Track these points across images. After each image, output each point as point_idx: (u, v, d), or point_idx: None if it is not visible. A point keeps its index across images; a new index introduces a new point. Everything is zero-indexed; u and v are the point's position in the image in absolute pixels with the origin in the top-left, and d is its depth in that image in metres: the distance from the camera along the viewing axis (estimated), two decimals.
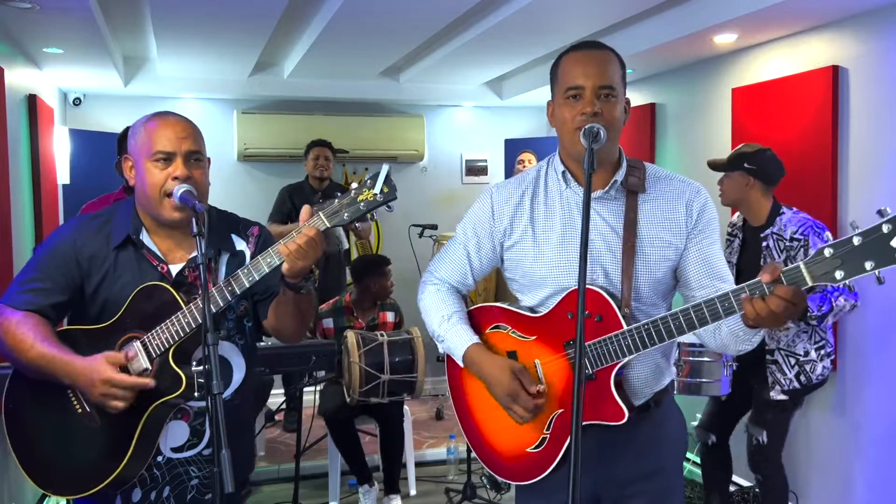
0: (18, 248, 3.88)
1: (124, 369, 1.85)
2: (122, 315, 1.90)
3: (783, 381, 3.31)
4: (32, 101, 4.36)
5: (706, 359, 3.47)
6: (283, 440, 5.30)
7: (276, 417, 5.53)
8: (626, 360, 1.75)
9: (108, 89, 5.47)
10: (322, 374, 4.20)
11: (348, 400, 3.98)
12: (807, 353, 3.28)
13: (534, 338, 1.89)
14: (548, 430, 1.85)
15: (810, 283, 1.48)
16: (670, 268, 1.86)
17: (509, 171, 6.17)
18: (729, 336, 1.76)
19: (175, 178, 1.87)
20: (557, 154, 1.93)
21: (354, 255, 6.13)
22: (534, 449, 1.87)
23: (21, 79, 4.21)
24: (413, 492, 4.51)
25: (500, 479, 2.00)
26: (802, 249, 3.20)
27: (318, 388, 4.45)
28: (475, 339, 1.94)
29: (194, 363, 1.89)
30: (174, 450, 1.97)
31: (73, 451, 1.93)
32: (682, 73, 4.83)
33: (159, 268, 1.94)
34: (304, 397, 4.41)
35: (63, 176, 5.05)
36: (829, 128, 3.64)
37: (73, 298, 1.94)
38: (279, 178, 6.02)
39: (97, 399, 1.83)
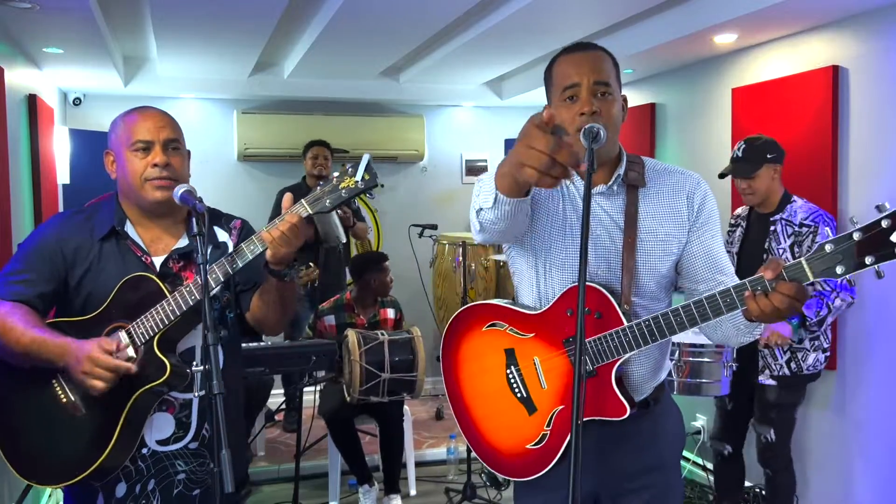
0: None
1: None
2: (108, 306, 1.92)
3: (774, 367, 3.34)
4: (32, 101, 4.36)
5: (706, 359, 3.47)
6: (283, 440, 5.30)
7: (276, 417, 5.54)
8: (626, 356, 1.76)
9: (108, 89, 5.47)
10: (322, 374, 4.20)
11: (348, 398, 3.98)
12: (801, 341, 3.31)
13: (532, 335, 1.89)
14: (548, 426, 1.86)
15: (811, 279, 1.50)
16: (672, 260, 1.87)
17: None
18: (731, 329, 1.78)
19: (154, 166, 1.92)
20: None
21: (355, 253, 6.14)
22: (534, 445, 1.88)
23: (21, 79, 4.21)
24: (413, 492, 4.51)
25: (500, 476, 2.00)
26: (811, 236, 3.22)
27: (318, 388, 4.46)
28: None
29: (184, 359, 1.89)
30: (160, 442, 1.99)
31: (57, 440, 1.94)
32: (682, 73, 4.83)
33: (143, 259, 1.98)
34: (304, 397, 4.41)
35: (63, 176, 5.05)
36: (829, 128, 3.64)
37: (58, 290, 1.97)
38: (279, 178, 6.03)
39: (79, 378, 1.83)
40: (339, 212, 5.20)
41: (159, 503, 1.99)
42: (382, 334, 4.05)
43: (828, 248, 1.46)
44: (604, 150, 1.78)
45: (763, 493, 3.71)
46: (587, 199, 1.62)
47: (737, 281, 1.83)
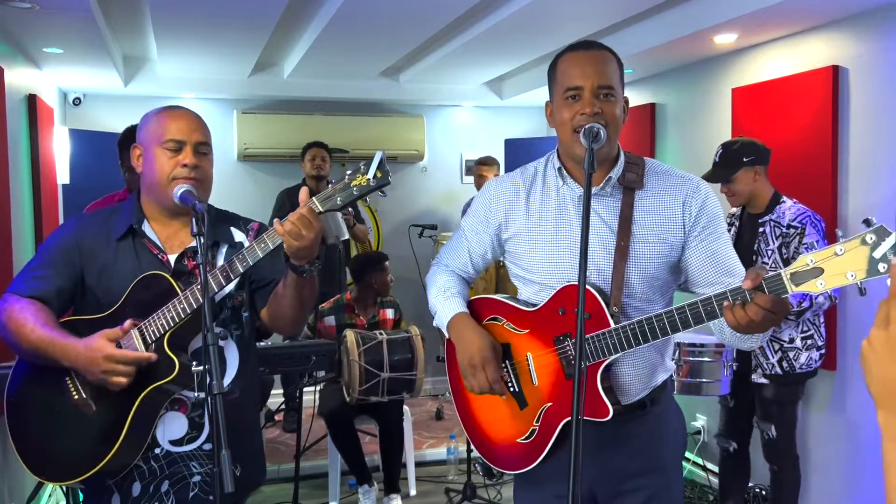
0: (18, 248, 3.88)
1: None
2: (122, 304, 1.94)
3: (765, 365, 3.35)
4: (32, 101, 4.36)
5: (706, 359, 3.48)
6: (283, 440, 5.31)
7: (276, 417, 5.54)
8: (611, 358, 1.76)
9: (108, 89, 5.47)
10: (322, 374, 4.20)
11: (348, 399, 3.98)
12: (791, 341, 3.31)
13: (527, 331, 1.91)
14: (537, 421, 1.87)
15: (791, 291, 1.48)
16: (666, 264, 1.86)
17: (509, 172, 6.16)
18: (731, 335, 1.78)
19: (184, 166, 1.94)
20: (556, 151, 1.94)
21: (355, 253, 6.14)
22: (524, 440, 1.90)
23: (21, 79, 4.21)
24: (413, 492, 4.51)
25: (493, 467, 2.03)
26: (798, 237, 3.24)
27: (318, 388, 4.46)
28: (464, 310, 1.99)
29: (194, 360, 1.90)
30: (173, 443, 1.99)
31: (68, 437, 1.96)
32: (682, 73, 4.83)
33: (159, 256, 1.99)
34: (304, 397, 4.41)
35: (63, 176, 5.05)
36: (829, 127, 3.64)
37: (74, 288, 1.99)
38: (279, 178, 6.03)
39: (99, 378, 1.85)
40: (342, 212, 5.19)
41: None
42: (381, 334, 4.06)
43: (809, 261, 1.44)
44: (602, 151, 1.78)
45: (763, 493, 3.70)
46: (587, 199, 1.63)
47: None
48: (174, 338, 1.89)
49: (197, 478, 2.01)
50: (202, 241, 1.78)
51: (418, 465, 4.75)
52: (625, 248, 1.82)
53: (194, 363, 1.88)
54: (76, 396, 1.95)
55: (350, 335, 3.96)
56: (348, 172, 1.81)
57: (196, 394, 1.96)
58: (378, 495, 4.27)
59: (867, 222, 1.39)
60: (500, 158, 6.57)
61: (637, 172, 1.88)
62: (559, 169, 1.90)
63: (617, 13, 3.98)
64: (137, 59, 5.32)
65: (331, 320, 4.42)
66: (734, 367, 3.50)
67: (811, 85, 3.76)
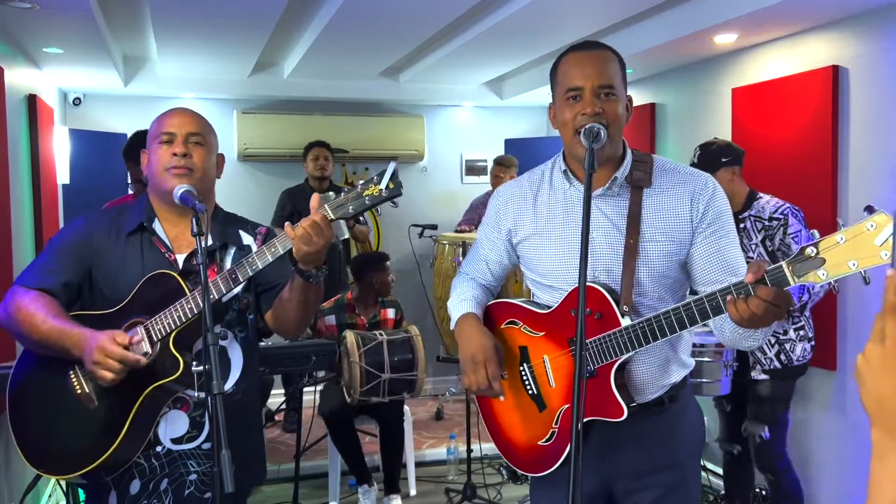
0: (18, 248, 3.88)
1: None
2: (130, 301, 1.95)
3: (764, 361, 3.35)
4: (32, 101, 4.36)
5: (706, 359, 3.47)
6: (283, 440, 5.31)
7: (276, 417, 5.54)
8: (624, 357, 1.76)
9: (108, 89, 5.46)
10: (322, 374, 4.20)
11: (349, 400, 3.98)
12: (785, 332, 3.33)
13: (542, 334, 1.92)
14: (556, 424, 1.88)
15: (793, 283, 1.47)
16: (676, 262, 1.85)
17: None
18: (733, 332, 1.77)
19: (174, 155, 1.97)
20: (562, 152, 1.95)
21: (355, 254, 6.13)
22: (545, 442, 1.91)
23: (21, 79, 4.21)
24: (413, 492, 4.51)
25: (518, 470, 2.03)
26: (782, 228, 3.26)
27: (318, 388, 4.45)
28: (472, 310, 2.01)
29: (195, 361, 1.91)
30: (174, 441, 2.00)
31: (69, 431, 1.97)
32: (682, 73, 4.83)
33: (167, 255, 2.01)
34: (304, 397, 4.41)
35: (63, 176, 5.05)
36: (829, 128, 3.64)
37: (82, 283, 2.01)
38: (279, 178, 6.03)
39: (91, 368, 1.86)
40: None
41: (171, 503, 1.99)
42: (381, 334, 4.05)
43: (810, 251, 1.42)
44: (604, 151, 1.78)
45: (764, 493, 3.69)
46: (587, 199, 1.63)
47: None
48: (180, 337, 1.90)
49: (193, 476, 2.01)
50: (202, 241, 1.78)
51: (418, 465, 4.75)
52: (634, 247, 1.82)
53: (195, 363, 1.89)
54: (79, 390, 1.96)
55: (350, 336, 3.96)
56: (361, 182, 1.83)
57: (198, 393, 1.97)
58: (378, 495, 4.27)
59: (869, 209, 1.37)
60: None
61: (645, 170, 1.87)
62: (565, 171, 1.90)
63: (617, 13, 3.98)
64: (137, 59, 5.32)
65: (331, 319, 4.42)
66: (734, 368, 3.49)
67: (811, 85, 3.76)
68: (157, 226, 2.05)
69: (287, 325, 2.06)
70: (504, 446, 2.03)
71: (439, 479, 4.67)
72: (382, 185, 1.81)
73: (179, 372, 1.88)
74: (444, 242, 5.77)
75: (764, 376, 3.36)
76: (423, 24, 4.13)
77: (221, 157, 2.13)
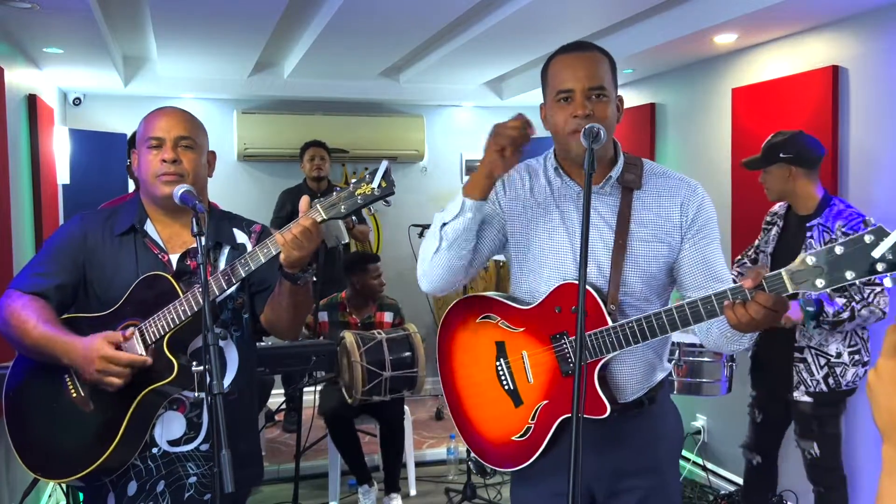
0: (18, 247, 3.88)
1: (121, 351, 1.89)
2: (123, 303, 1.95)
3: (810, 382, 3.12)
4: (32, 101, 4.36)
5: (706, 359, 3.47)
6: (283, 440, 5.31)
7: (276, 417, 5.54)
8: (608, 356, 1.77)
9: (108, 89, 5.47)
10: (322, 374, 4.20)
11: (350, 401, 3.99)
12: (839, 355, 3.09)
13: (522, 329, 1.91)
14: (533, 419, 1.88)
15: (791, 290, 1.50)
16: (664, 264, 1.87)
17: None
18: (720, 336, 1.79)
19: (164, 161, 1.95)
20: (552, 151, 1.95)
21: None
22: (519, 437, 1.90)
23: (21, 79, 4.21)
24: (413, 492, 4.51)
25: (486, 465, 2.03)
26: None
27: (318, 388, 4.46)
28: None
29: (194, 361, 1.91)
30: (171, 443, 2.00)
31: (65, 434, 1.97)
32: (682, 73, 4.83)
33: (160, 256, 2.00)
34: (304, 397, 4.41)
35: (63, 176, 5.05)
36: (829, 128, 3.64)
37: (77, 285, 2.00)
38: (279, 178, 6.03)
39: (94, 377, 1.86)
40: None
41: None
42: (379, 333, 4.06)
43: (809, 260, 1.46)
44: (599, 151, 1.78)
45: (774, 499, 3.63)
46: (587, 198, 1.64)
47: None
48: (174, 339, 1.90)
49: (193, 479, 2.01)
50: (202, 241, 1.79)
51: (418, 465, 4.75)
52: (623, 247, 1.83)
53: (194, 363, 1.89)
54: (75, 394, 1.96)
55: (349, 336, 3.96)
56: (353, 181, 1.82)
57: (196, 394, 1.97)
58: (378, 495, 4.27)
59: (865, 223, 1.42)
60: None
61: (635, 173, 1.89)
62: (556, 168, 1.91)
63: (617, 13, 3.98)
64: (137, 59, 5.32)
65: (324, 316, 4.43)
66: (734, 367, 3.48)
67: (811, 85, 3.76)
68: (149, 227, 2.04)
69: (280, 327, 2.06)
70: (474, 440, 2.02)
71: (439, 479, 4.67)
72: (374, 184, 1.80)
73: (174, 375, 1.87)
74: None
75: (807, 398, 3.14)
76: (423, 24, 4.13)
77: (213, 155, 2.10)
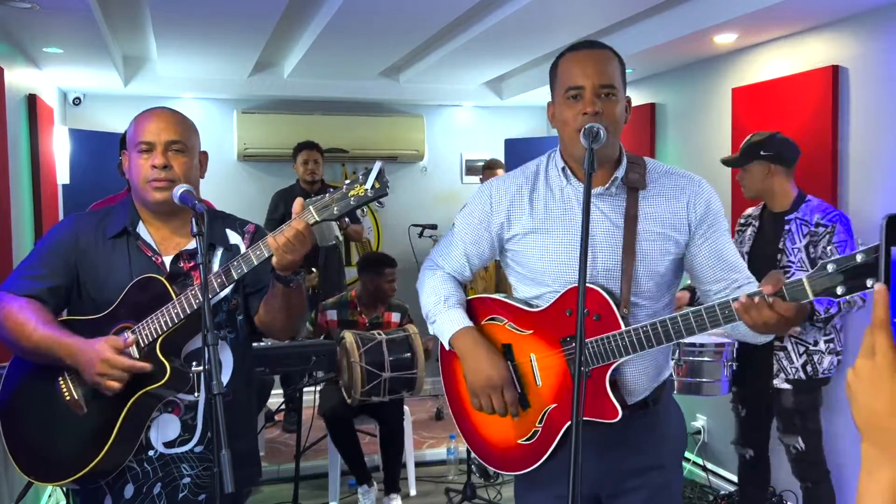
0: (18, 247, 3.88)
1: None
2: (117, 306, 1.94)
3: (789, 370, 3.23)
4: (32, 100, 4.36)
5: (706, 359, 3.46)
6: (283, 440, 5.31)
7: (276, 417, 5.54)
8: (622, 360, 1.76)
9: (108, 89, 5.47)
10: (322, 374, 4.20)
11: (349, 401, 3.98)
12: (816, 343, 3.21)
13: (530, 332, 1.89)
14: (540, 423, 1.87)
15: (811, 297, 1.49)
16: (672, 262, 1.87)
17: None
18: (746, 329, 1.76)
19: (154, 167, 1.94)
20: (558, 150, 1.93)
21: (354, 254, 6.14)
22: (525, 441, 1.90)
23: (21, 79, 4.21)
24: (413, 492, 4.51)
25: (490, 468, 2.02)
26: (827, 236, 3.14)
27: (318, 388, 4.45)
28: (470, 323, 1.94)
29: (192, 362, 1.90)
30: (166, 444, 1.99)
31: (59, 437, 1.96)
32: (682, 73, 4.83)
33: (153, 258, 1.99)
34: (304, 397, 4.41)
35: (63, 176, 5.05)
36: (829, 128, 3.64)
37: (70, 287, 1.99)
38: (279, 178, 6.03)
39: (94, 378, 1.85)
40: None
41: None
42: (379, 334, 4.05)
43: (830, 267, 1.44)
44: (604, 150, 1.78)
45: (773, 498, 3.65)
46: (587, 198, 1.63)
47: (751, 278, 1.85)
48: (167, 342, 1.89)
49: (187, 479, 2.00)
50: (202, 241, 1.78)
51: (418, 465, 4.75)
52: (632, 248, 1.82)
53: (194, 363, 1.89)
54: (68, 397, 1.95)
55: (348, 336, 3.96)
56: (346, 182, 1.81)
57: (194, 395, 1.96)
58: (378, 495, 4.27)
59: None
60: (500, 158, 6.58)
61: (639, 172, 1.88)
62: (563, 168, 1.90)
63: (617, 13, 3.98)
64: (137, 59, 5.32)
65: (333, 315, 4.42)
66: (734, 367, 3.48)
67: (811, 85, 3.76)
68: (141, 229, 2.02)
69: (275, 328, 2.04)
70: (477, 444, 2.01)
71: (439, 479, 4.67)
72: (368, 185, 1.78)
73: (166, 378, 1.86)
74: None
75: (787, 386, 3.25)
76: (423, 24, 4.13)
77: (204, 155, 2.08)
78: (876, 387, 0.85)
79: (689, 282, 1.97)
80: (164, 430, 1.98)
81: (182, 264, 2.00)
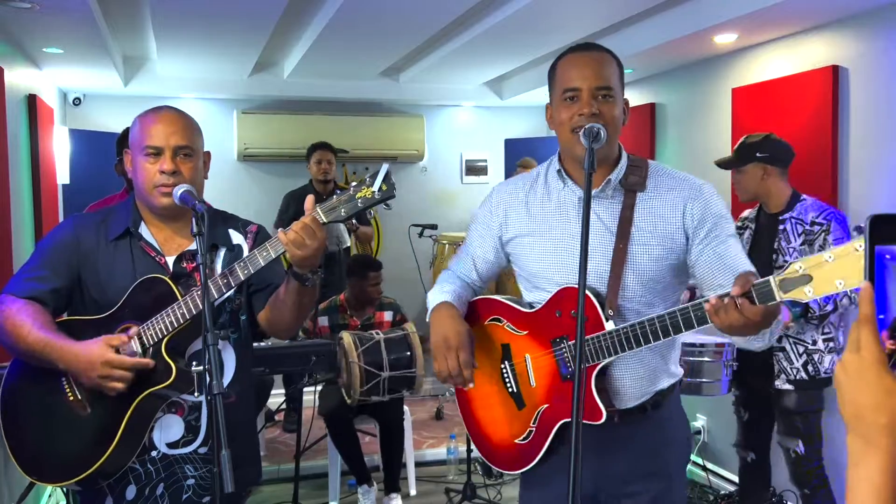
0: (18, 247, 3.88)
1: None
2: (121, 306, 1.93)
3: (790, 371, 3.21)
4: (32, 101, 4.36)
5: (706, 359, 3.47)
6: (283, 440, 5.31)
7: (276, 417, 5.54)
8: (605, 361, 1.76)
9: (107, 89, 5.47)
10: (322, 374, 4.20)
11: (348, 401, 3.98)
12: (815, 342, 3.19)
13: (525, 332, 1.91)
14: (534, 423, 1.88)
15: (779, 298, 1.48)
16: (667, 266, 1.84)
17: (509, 171, 6.17)
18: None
19: (162, 172, 1.92)
20: (558, 153, 1.94)
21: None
22: (521, 440, 1.92)
23: (21, 79, 4.21)
24: (413, 492, 4.51)
25: (492, 466, 2.04)
26: (823, 234, 3.13)
27: (318, 388, 4.45)
28: (448, 299, 1.97)
29: (193, 361, 1.90)
30: (170, 445, 1.99)
31: (62, 438, 1.95)
32: (682, 73, 4.83)
33: (157, 259, 1.98)
34: (304, 397, 4.41)
35: (63, 176, 5.05)
36: (829, 128, 3.64)
37: (72, 288, 1.98)
38: (279, 178, 6.03)
39: (95, 381, 1.84)
40: None
41: None
42: (377, 333, 4.05)
43: (798, 268, 1.43)
44: (601, 151, 1.77)
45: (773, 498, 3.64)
46: (587, 199, 1.63)
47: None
48: (172, 343, 1.88)
49: (191, 481, 2.00)
50: (202, 241, 1.77)
51: (418, 465, 4.75)
52: (622, 251, 1.82)
53: (194, 363, 1.88)
54: (72, 397, 1.94)
55: (347, 337, 3.96)
56: (353, 184, 1.81)
57: (196, 395, 1.96)
58: (378, 495, 4.27)
59: (859, 229, 1.38)
60: (500, 158, 6.58)
61: (640, 174, 1.87)
62: (559, 171, 1.90)
63: (617, 13, 3.98)
64: (137, 59, 5.32)
65: (324, 321, 4.42)
66: (734, 367, 3.48)
67: (811, 85, 3.76)
68: (143, 230, 2.01)
69: (280, 327, 2.04)
70: (480, 442, 2.03)
71: (439, 479, 4.67)
72: (375, 188, 1.78)
73: (172, 378, 1.86)
74: (444, 242, 5.78)
75: (788, 386, 3.22)
76: (423, 24, 4.13)
77: (208, 155, 2.07)
78: (861, 380, 0.88)
79: (691, 281, 1.95)
80: (167, 430, 1.97)
81: (185, 265, 1.99)
